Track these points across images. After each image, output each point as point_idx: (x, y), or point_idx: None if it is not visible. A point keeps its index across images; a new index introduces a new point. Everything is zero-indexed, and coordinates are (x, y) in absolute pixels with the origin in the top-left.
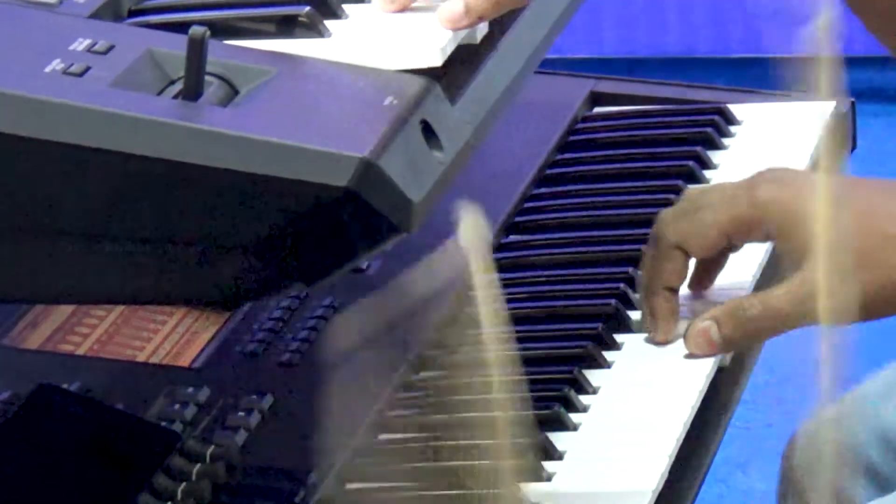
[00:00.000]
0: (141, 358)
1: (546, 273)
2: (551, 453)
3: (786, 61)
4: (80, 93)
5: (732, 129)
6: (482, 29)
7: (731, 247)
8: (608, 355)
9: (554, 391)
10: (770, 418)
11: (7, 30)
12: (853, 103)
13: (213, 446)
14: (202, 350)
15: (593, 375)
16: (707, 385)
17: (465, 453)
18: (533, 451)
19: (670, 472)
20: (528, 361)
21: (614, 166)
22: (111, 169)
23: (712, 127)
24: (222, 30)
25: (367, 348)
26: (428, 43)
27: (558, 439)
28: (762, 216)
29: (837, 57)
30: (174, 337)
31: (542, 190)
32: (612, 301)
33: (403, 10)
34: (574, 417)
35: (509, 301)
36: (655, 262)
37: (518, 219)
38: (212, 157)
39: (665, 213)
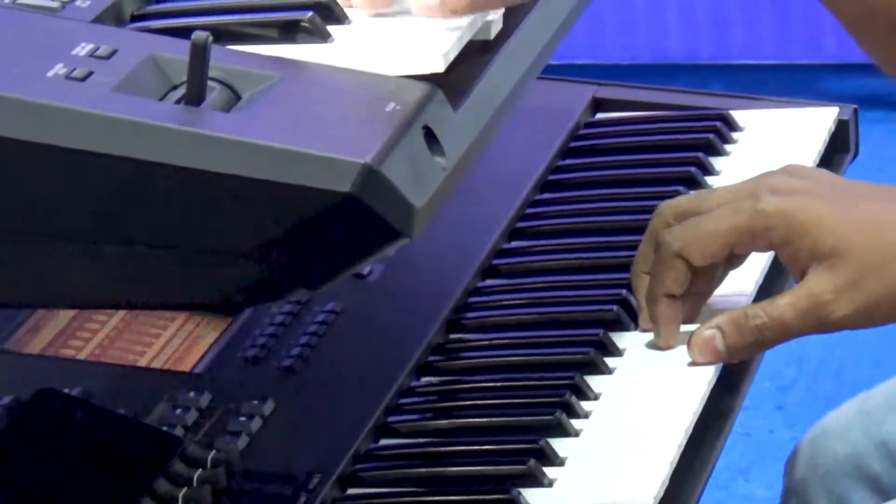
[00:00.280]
0: (142, 363)
1: (548, 279)
2: (552, 459)
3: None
4: (82, 97)
5: (734, 135)
6: (497, 24)
7: (735, 257)
8: (609, 361)
9: (555, 397)
10: (771, 425)
11: (9, 34)
12: (855, 110)
13: (214, 451)
14: (203, 355)
15: (594, 381)
16: (708, 391)
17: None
18: (534, 456)
19: (671, 479)
20: (529, 367)
21: (616, 172)
22: (113, 174)
23: (714, 133)
24: (225, 35)
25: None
26: (430, 48)
27: (559, 445)
28: (765, 227)
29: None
30: (175, 342)
31: (544, 196)
32: (614, 307)
33: (383, 10)
34: (575, 423)
35: (511, 307)
36: (656, 269)
37: (520, 224)
38: (214, 163)
39: (665, 208)
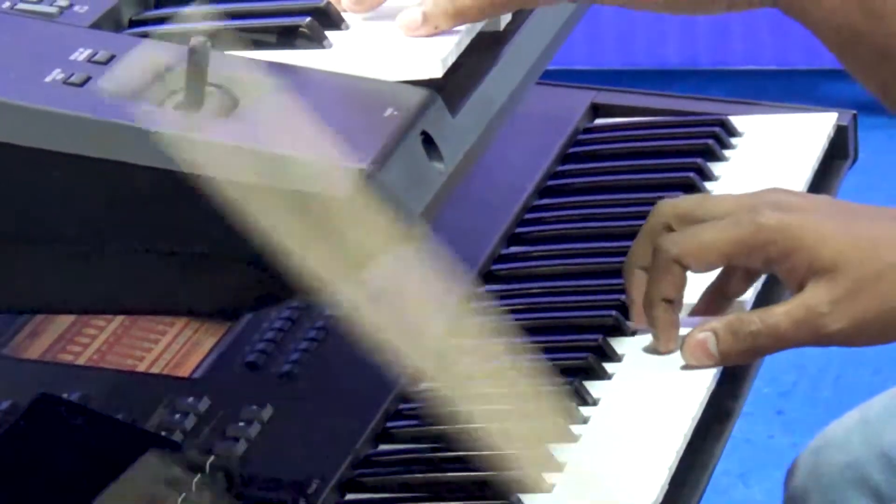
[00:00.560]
0: (141, 368)
1: (546, 284)
2: (552, 464)
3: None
4: (80, 103)
5: (733, 140)
6: (506, 17)
7: (732, 268)
8: (608, 367)
9: (554, 402)
10: (771, 430)
11: (7, 40)
12: (855, 116)
13: (212, 457)
14: (202, 360)
15: (594, 387)
16: (707, 396)
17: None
18: (533, 462)
19: (670, 484)
20: (528, 373)
21: (615, 178)
22: (111, 179)
23: (713, 139)
24: (223, 40)
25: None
26: (428, 54)
27: (559, 450)
28: (764, 241)
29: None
30: (174, 347)
31: (543, 201)
32: (613, 312)
33: (370, 10)
34: (575, 429)
35: (510, 312)
36: (654, 273)
37: (519, 230)
38: (212, 168)
39: (663, 207)
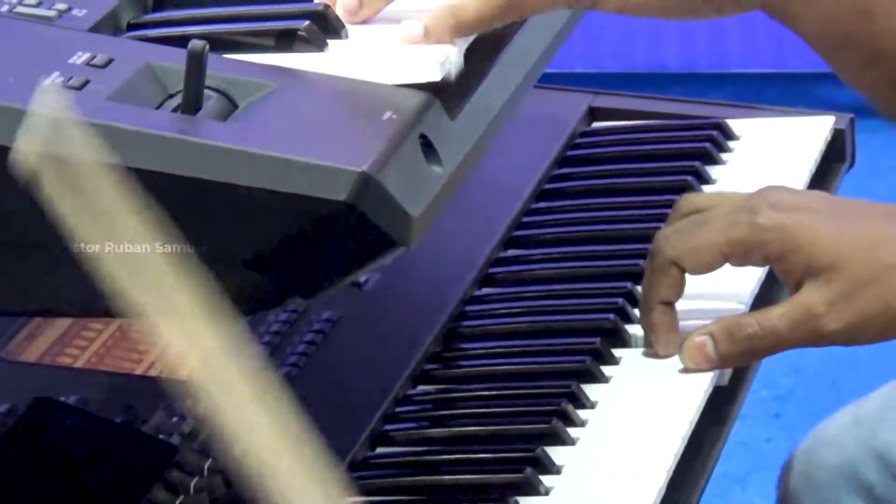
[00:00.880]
0: (139, 371)
1: (544, 288)
2: (549, 468)
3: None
4: (79, 106)
5: (731, 144)
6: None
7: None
8: (606, 370)
9: (552, 405)
10: (768, 433)
11: (6, 43)
12: (852, 119)
13: (210, 460)
14: None
15: (591, 390)
16: (705, 400)
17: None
18: (531, 465)
19: (668, 488)
20: (526, 376)
21: (613, 181)
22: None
23: (711, 142)
24: (221, 44)
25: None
26: (427, 57)
27: (556, 454)
28: (762, 241)
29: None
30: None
31: (541, 205)
32: (611, 316)
33: (364, 20)
34: (572, 432)
35: (507, 316)
36: (652, 276)
37: (516, 233)
38: (210, 172)
39: (663, 232)
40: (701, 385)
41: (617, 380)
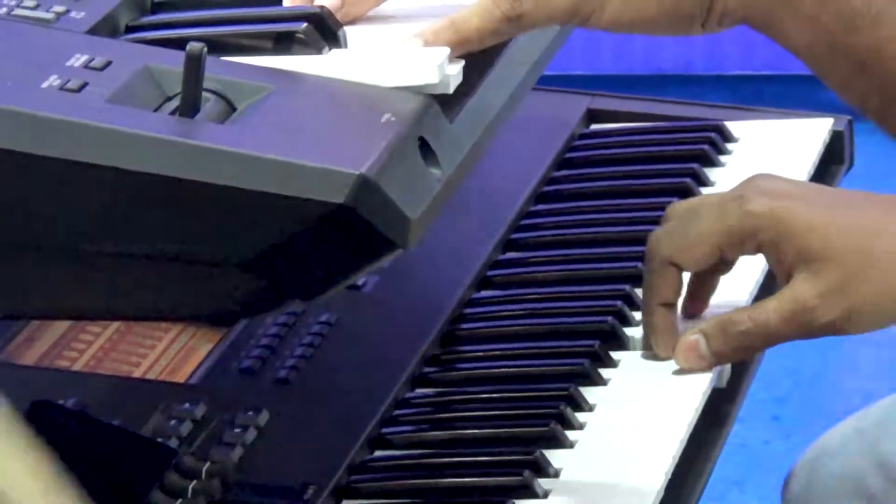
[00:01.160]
0: (137, 374)
1: (543, 290)
2: (547, 471)
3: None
4: (76, 109)
5: (729, 146)
6: (457, 80)
7: (725, 263)
8: (605, 373)
9: (550, 408)
10: (767, 436)
11: (4, 45)
12: (850, 121)
13: (208, 463)
14: (198, 366)
15: (590, 393)
16: (703, 402)
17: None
18: (529, 468)
19: (666, 490)
20: (524, 379)
21: (611, 183)
22: (108, 185)
23: (709, 144)
24: (220, 46)
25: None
26: (425, 60)
27: (554, 456)
28: (753, 229)
29: None
30: (170, 353)
31: (539, 207)
32: (609, 318)
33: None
34: (570, 435)
35: (506, 318)
36: (649, 278)
37: (514, 236)
38: (208, 174)
39: (656, 233)
40: (699, 387)
41: (615, 382)
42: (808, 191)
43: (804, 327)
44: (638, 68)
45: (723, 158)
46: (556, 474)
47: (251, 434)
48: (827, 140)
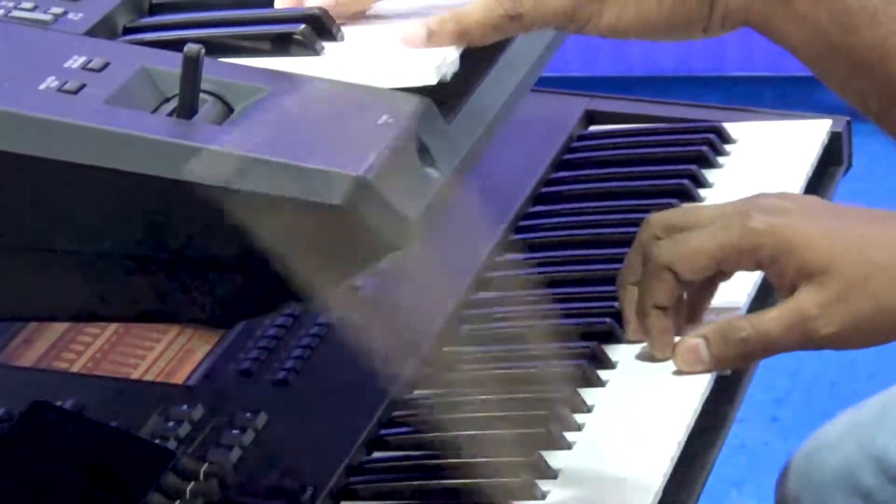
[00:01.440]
0: (135, 375)
1: (541, 291)
2: (546, 472)
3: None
4: (74, 110)
5: (727, 147)
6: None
7: (723, 274)
8: (602, 374)
9: (549, 409)
10: (765, 437)
11: (1, 47)
12: (849, 122)
13: (206, 464)
14: (196, 368)
15: (588, 394)
16: (702, 403)
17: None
18: (527, 469)
19: (665, 491)
20: (522, 380)
21: (609, 185)
22: (105, 186)
23: (707, 146)
24: (217, 48)
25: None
26: (423, 61)
27: (553, 458)
28: (754, 245)
29: None
30: (168, 354)
31: (538, 208)
32: (607, 320)
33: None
34: (569, 436)
35: (504, 319)
36: (646, 280)
37: (513, 237)
38: (206, 176)
39: (653, 219)
40: (698, 388)
41: (613, 383)
42: (807, 207)
43: (804, 337)
44: (636, 70)
45: (721, 160)
46: (555, 475)
47: (249, 435)
48: (825, 141)
